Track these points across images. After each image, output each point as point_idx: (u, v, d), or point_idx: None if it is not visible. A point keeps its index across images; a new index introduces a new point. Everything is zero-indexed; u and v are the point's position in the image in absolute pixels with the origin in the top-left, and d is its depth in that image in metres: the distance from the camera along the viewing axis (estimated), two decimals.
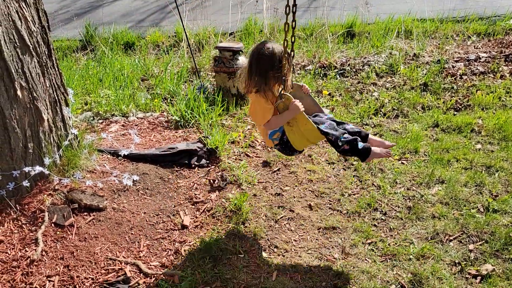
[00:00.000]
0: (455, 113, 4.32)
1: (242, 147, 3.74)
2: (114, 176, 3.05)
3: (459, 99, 4.54)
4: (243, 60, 4.42)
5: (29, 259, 2.46)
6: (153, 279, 2.43)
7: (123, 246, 2.64)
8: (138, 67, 5.49)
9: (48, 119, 2.82)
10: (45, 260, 2.48)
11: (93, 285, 2.37)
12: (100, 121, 4.21)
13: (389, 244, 2.70)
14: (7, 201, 2.70)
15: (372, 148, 2.53)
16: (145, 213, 2.91)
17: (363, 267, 2.52)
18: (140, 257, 2.59)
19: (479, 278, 2.43)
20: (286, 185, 3.28)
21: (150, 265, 2.53)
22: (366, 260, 2.59)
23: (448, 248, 2.65)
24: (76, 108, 4.34)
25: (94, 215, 2.79)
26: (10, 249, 2.52)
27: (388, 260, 2.58)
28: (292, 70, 2.51)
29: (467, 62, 5.33)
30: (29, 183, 2.74)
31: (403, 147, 3.72)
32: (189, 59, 5.65)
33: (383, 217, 2.94)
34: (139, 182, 3.12)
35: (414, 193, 3.16)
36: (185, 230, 2.82)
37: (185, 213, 2.97)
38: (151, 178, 3.21)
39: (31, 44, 2.62)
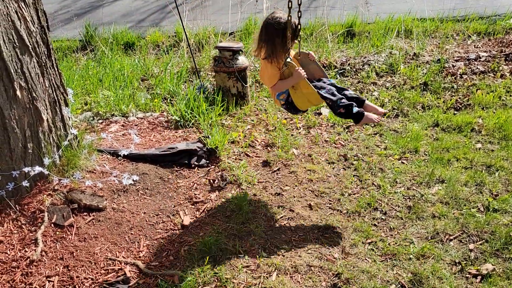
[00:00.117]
0: (455, 112, 4.31)
1: (242, 147, 3.74)
2: (114, 176, 3.05)
3: (459, 98, 4.54)
4: (243, 60, 4.42)
5: (28, 259, 2.46)
6: (153, 279, 2.43)
7: (123, 246, 2.64)
8: (138, 67, 5.49)
9: (47, 119, 2.82)
10: (45, 261, 2.48)
11: (93, 285, 2.37)
12: (100, 121, 4.21)
13: (389, 244, 2.69)
14: (6, 201, 2.70)
15: (365, 113, 2.80)
16: (145, 213, 2.91)
17: (363, 267, 2.52)
18: (140, 257, 2.59)
19: (479, 277, 2.43)
20: (286, 185, 3.27)
21: (150, 265, 2.53)
22: (366, 259, 2.59)
23: (448, 248, 2.65)
24: (76, 108, 4.34)
25: (93, 215, 2.78)
26: (9, 250, 2.52)
27: (388, 260, 2.58)
28: (299, 40, 2.78)
29: (467, 62, 5.32)
30: (28, 183, 2.74)
31: (403, 146, 3.72)
32: (189, 59, 5.65)
33: (383, 217, 2.94)
34: (139, 182, 3.12)
35: (414, 193, 3.16)
36: (185, 230, 2.82)
37: (185, 213, 2.97)
38: (151, 178, 3.21)
39: (30, 44, 2.62)
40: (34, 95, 2.68)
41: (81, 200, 2.81)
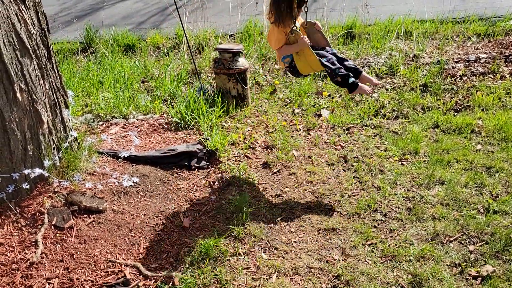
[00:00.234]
0: (455, 114, 4.31)
1: (242, 149, 3.74)
2: (114, 178, 3.05)
3: (459, 100, 4.54)
4: (243, 62, 4.43)
5: (28, 261, 2.46)
6: (153, 281, 2.43)
7: (123, 248, 2.64)
8: (138, 69, 5.49)
9: (47, 122, 2.82)
10: (45, 263, 2.48)
11: (93, 287, 2.37)
12: (100, 123, 4.22)
13: (389, 245, 2.69)
14: (7, 204, 2.70)
15: (360, 84, 3.07)
16: (145, 215, 2.91)
17: (363, 269, 2.51)
18: (140, 259, 2.59)
19: (479, 279, 2.42)
20: (286, 187, 3.28)
21: (150, 267, 2.53)
22: (366, 261, 2.59)
23: (448, 249, 2.65)
24: (76, 110, 4.35)
25: (93, 217, 2.79)
26: (9, 252, 2.52)
27: (388, 262, 2.57)
28: (306, 11, 2.99)
29: (467, 63, 5.33)
30: (28, 186, 2.74)
31: (403, 148, 3.72)
32: (189, 61, 5.65)
33: (383, 218, 2.94)
34: (139, 184, 3.12)
35: (414, 194, 3.16)
36: (185, 231, 2.82)
37: (185, 214, 2.97)
38: (151, 180, 3.21)
39: (30, 47, 2.62)
40: (34, 97, 2.68)
41: (81, 202, 2.81)
